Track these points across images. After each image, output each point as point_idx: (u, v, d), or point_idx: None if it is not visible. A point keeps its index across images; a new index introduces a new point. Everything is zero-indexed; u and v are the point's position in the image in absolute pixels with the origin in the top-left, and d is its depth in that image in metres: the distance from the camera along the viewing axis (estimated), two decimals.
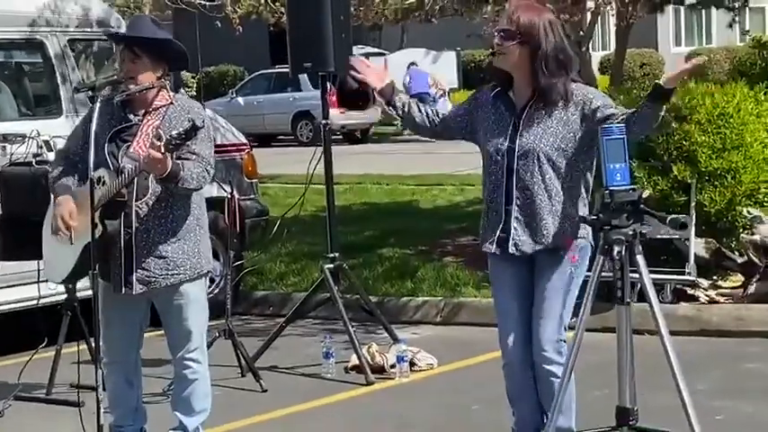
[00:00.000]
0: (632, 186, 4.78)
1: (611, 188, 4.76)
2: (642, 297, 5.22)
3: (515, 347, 5.69)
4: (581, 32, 11.75)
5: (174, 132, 5.66)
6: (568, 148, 5.53)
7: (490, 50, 5.69)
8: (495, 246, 5.65)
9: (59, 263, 6.12)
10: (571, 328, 5.12)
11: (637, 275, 5.01)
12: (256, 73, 34.11)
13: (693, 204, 9.40)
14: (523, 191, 5.55)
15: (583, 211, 5.52)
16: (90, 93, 6.02)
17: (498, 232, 5.62)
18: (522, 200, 5.56)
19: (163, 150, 5.55)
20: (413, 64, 33.10)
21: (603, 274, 4.91)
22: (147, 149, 5.61)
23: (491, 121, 5.67)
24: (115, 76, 6.05)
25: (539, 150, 5.52)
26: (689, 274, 9.22)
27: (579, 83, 5.64)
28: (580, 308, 5.05)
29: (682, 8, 19.73)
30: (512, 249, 5.60)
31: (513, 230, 5.58)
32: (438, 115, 5.83)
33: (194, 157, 5.79)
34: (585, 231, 5.59)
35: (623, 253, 4.72)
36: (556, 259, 5.62)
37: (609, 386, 4.96)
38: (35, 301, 7.82)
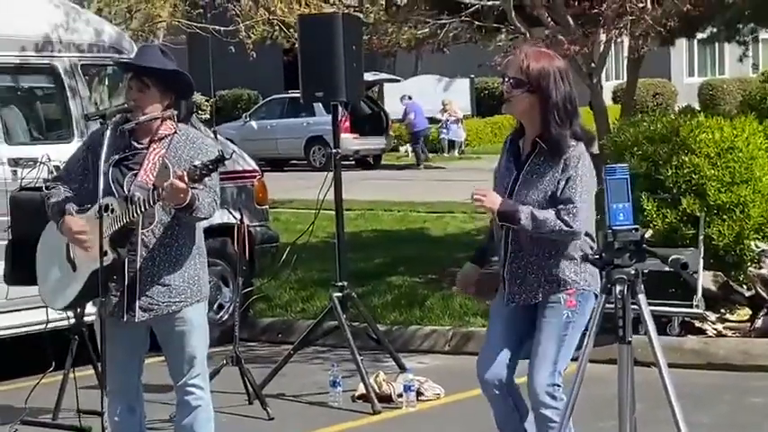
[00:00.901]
0: (635, 226, 4.80)
1: (613, 227, 4.78)
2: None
3: (493, 378, 5.67)
4: (592, 64, 11.77)
5: (197, 162, 5.65)
6: (554, 200, 5.52)
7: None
8: (497, 296, 5.73)
9: (62, 289, 6.09)
10: (574, 359, 5.13)
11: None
12: (270, 97, 34.21)
13: (702, 238, 9.41)
14: (515, 244, 5.59)
15: (574, 266, 5.56)
16: (101, 120, 6.04)
17: (499, 283, 5.69)
18: (515, 253, 5.59)
19: (186, 180, 5.58)
20: (406, 97, 32.93)
21: (608, 306, 4.93)
22: (171, 179, 5.61)
23: (502, 170, 5.71)
24: (126, 104, 6.05)
25: (527, 206, 5.51)
26: (696, 306, 9.22)
27: (579, 140, 5.57)
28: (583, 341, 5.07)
29: (695, 40, 19.73)
30: (509, 304, 5.64)
31: (507, 283, 5.62)
32: None
33: (204, 188, 5.81)
34: (587, 281, 5.60)
35: (625, 292, 4.73)
36: (555, 304, 5.62)
37: (613, 418, 4.96)
38: (43, 326, 7.82)
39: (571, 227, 5.47)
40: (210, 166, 5.62)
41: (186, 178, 5.55)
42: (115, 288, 5.85)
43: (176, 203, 5.67)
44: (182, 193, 5.59)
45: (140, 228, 5.82)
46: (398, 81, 35.32)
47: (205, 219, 5.86)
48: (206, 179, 5.78)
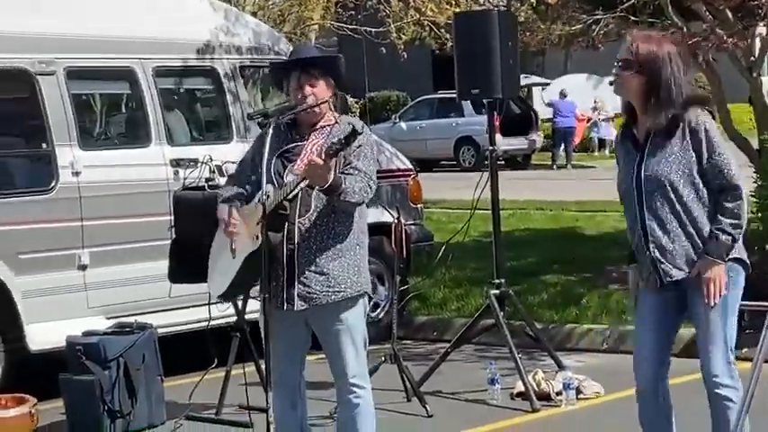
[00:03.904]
0: None
1: None
2: None
3: (647, 375, 5.73)
4: (752, 58, 11.52)
5: (334, 139, 5.72)
6: (693, 173, 5.55)
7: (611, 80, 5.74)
8: (647, 282, 5.67)
9: (220, 276, 6.20)
10: (748, 359, 5.06)
11: None
12: (419, 98, 34.28)
13: None
14: (657, 221, 5.58)
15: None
16: (263, 119, 6.12)
17: (645, 267, 5.65)
18: (658, 230, 5.58)
19: (323, 157, 5.61)
20: (562, 93, 32.56)
21: None
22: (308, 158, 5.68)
23: (622, 157, 5.75)
24: (287, 103, 6.11)
25: (664, 179, 5.55)
26: None
27: (703, 112, 5.61)
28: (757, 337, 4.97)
29: None
30: (665, 279, 5.60)
31: (657, 261, 5.59)
32: None
33: (356, 172, 5.83)
34: (736, 251, 5.59)
35: None
36: None
37: None
38: (206, 323, 7.95)
39: (738, 187, 5.56)
40: (343, 141, 5.62)
41: (323, 155, 5.58)
42: (273, 275, 5.90)
43: (318, 183, 5.69)
44: (320, 170, 5.60)
45: (296, 216, 5.86)
46: (547, 84, 35.01)
47: (358, 204, 5.85)
48: (359, 164, 5.80)
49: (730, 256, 5.57)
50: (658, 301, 5.69)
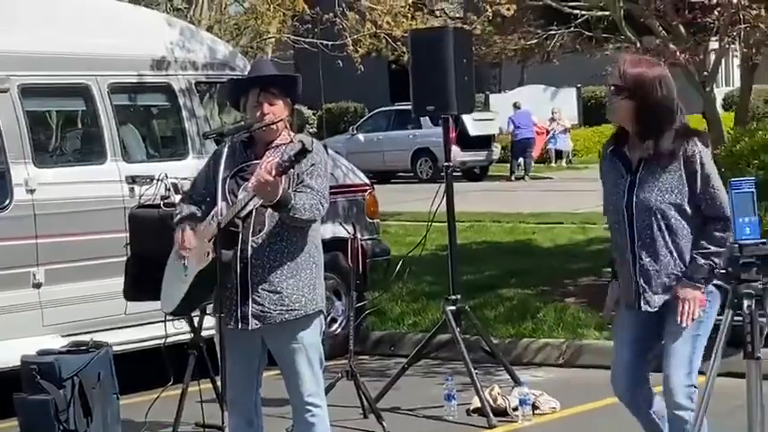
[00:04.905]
0: (762, 240, 4.76)
1: (740, 242, 4.75)
2: None
3: (622, 385, 5.74)
4: (705, 73, 11.64)
5: (284, 156, 5.73)
6: (684, 203, 5.55)
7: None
8: (626, 306, 5.68)
9: (172, 293, 6.20)
10: (701, 372, 5.09)
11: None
12: (376, 110, 34.31)
13: None
14: (646, 248, 5.58)
15: None
16: (218, 137, 6.12)
17: (627, 288, 5.66)
18: (647, 257, 5.58)
19: (273, 173, 5.61)
20: (515, 106, 32.62)
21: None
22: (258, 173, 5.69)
23: (611, 178, 5.73)
24: (243, 122, 6.12)
25: (656, 207, 5.55)
26: None
27: (696, 137, 5.59)
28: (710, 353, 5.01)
29: None
30: (644, 307, 5.61)
31: (641, 288, 5.61)
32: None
33: (308, 190, 5.84)
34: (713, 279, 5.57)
35: (753, 307, 4.69)
36: None
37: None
38: (162, 340, 7.92)
39: (729, 219, 5.36)
40: (293, 158, 5.64)
41: (273, 171, 5.59)
42: (227, 294, 5.90)
43: (267, 199, 5.69)
44: (268, 186, 5.61)
45: (250, 234, 5.87)
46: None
47: (309, 221, 5.85)
48: (311, 182, 5.81)
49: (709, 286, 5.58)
50: (638, 318, 5.69)
